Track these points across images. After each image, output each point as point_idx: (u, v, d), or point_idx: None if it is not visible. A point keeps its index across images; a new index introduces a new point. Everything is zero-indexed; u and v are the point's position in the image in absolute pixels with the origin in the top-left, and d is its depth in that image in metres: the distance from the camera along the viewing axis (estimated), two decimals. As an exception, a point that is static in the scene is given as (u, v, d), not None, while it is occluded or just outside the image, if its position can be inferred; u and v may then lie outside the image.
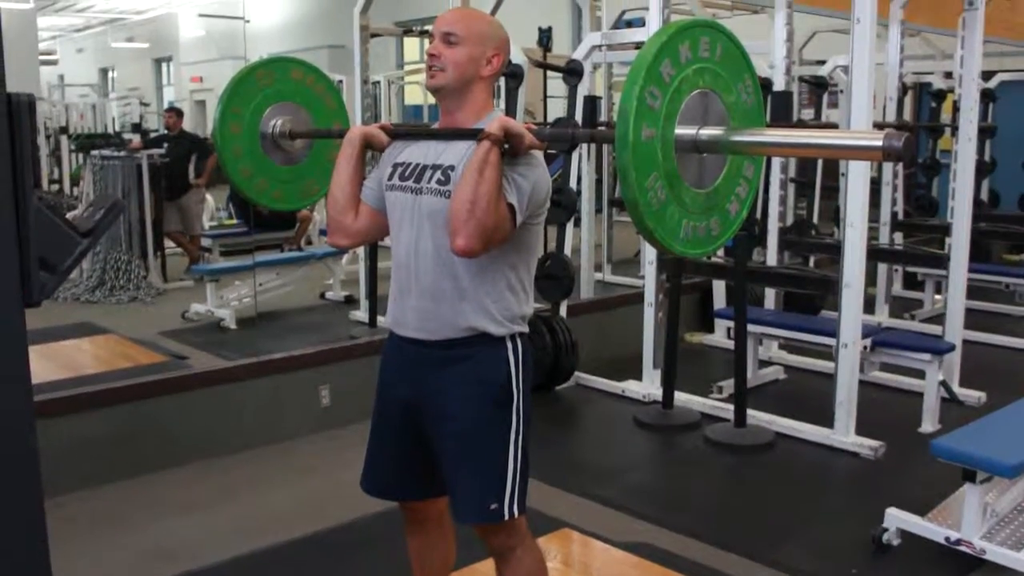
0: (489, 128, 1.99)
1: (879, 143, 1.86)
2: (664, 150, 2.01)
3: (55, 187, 11.15)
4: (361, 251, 6.07)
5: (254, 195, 3.24)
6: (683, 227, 2.11)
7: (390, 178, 2.20)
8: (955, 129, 5.24)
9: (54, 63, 16.48)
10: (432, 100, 12.68)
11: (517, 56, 5.06)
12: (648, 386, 5.04)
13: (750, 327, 4.75)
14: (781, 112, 5.31)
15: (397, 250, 2.18)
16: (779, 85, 5.38)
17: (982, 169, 7.95)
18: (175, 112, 8.83)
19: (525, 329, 2.20)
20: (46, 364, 5.19)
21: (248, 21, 6.72)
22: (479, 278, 2.09)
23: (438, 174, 2.10)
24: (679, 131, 2.05)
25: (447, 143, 2.15)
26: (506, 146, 2.02)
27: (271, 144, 3.19)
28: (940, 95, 8.12)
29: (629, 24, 7.55)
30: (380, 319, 5.93)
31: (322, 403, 4.54)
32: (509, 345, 2.15)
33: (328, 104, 3.36)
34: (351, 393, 4.47)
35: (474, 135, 2.05)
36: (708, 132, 2.09)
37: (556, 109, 7.10)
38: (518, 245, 2.12)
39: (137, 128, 12.19)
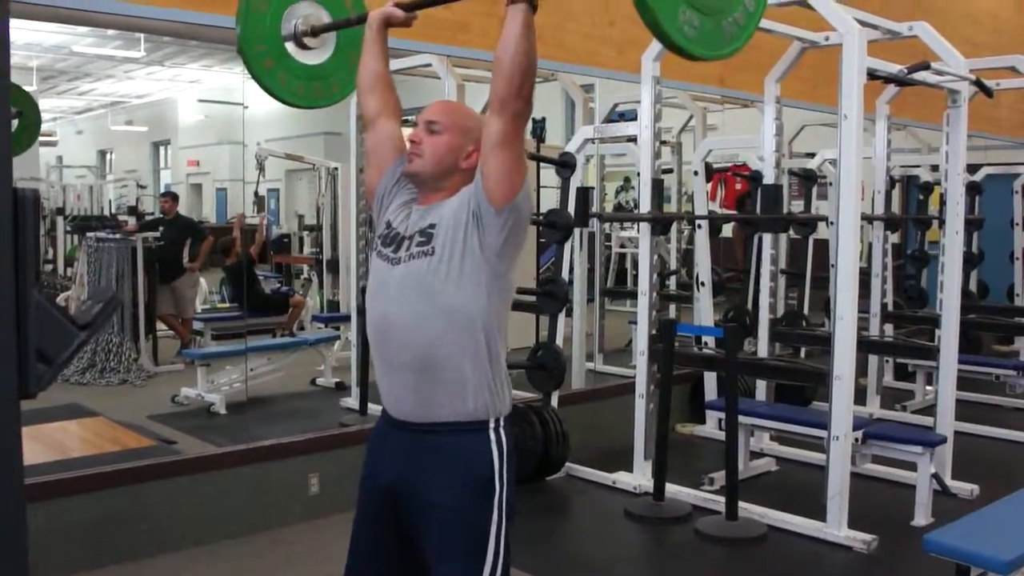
0: None
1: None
2: None
3: (49, 267, 11.17)
4: (353, 338, 6.07)
5: (278, 90, 3.15)
6: (679, 14, 2.08)
7: (379, 235, 2.22)
8: (942, 222, 5.30)
9: (53, 144, 16.62)
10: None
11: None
12: (639, 477, 5.00)
13: (741, 418, 4.74)
14: (771, 204, 5.37)
15: (372, 317, 2.16)
16: (769, 178, 5.46)
17: (970, 261, 8.04)
18: (171, 196, 8.92)
19: (508, 408, 2.16)
20: (33, 446, 5.12)
21: (247, 107, 6.82)
22: (457, 345, 2.06)
23: (417, 236, 2.12)
24: None
25: (429, 208, 2.16)
26: None
27: (296, 44, 3.00)
28: (927, 188, 8.24)
29: (622, 116, 7.69)
30: (371, 406, 5.90)
31: (311, 491, 4.49)
32: (492, 436, 2.11)
33: None
34: (341, 481, 4.42)
35: None
36: None
37: (549, 199, 7.19)
38: (493, 303, 2.10)
39: (133, 211, 12.27)
